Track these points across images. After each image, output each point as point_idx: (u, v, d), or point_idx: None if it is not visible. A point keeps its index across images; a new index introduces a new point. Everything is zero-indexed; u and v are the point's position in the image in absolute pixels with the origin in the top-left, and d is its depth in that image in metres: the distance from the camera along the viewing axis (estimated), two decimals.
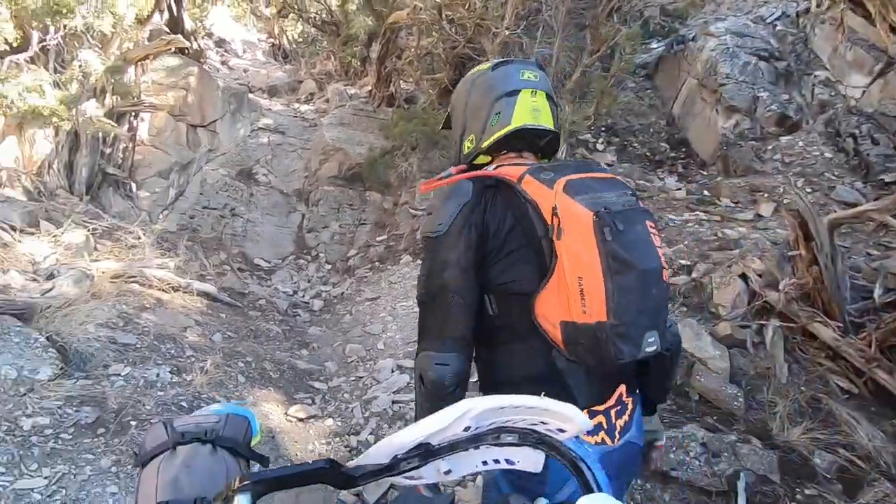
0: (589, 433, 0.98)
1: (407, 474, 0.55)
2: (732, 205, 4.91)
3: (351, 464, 0.54)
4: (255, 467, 0.81)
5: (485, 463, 0.59)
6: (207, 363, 2.72)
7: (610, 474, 0.77)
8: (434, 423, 0.52)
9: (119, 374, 2.42)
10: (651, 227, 0.96)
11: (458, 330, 1.00)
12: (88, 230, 3.57)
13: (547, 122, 1.10)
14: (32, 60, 3.69)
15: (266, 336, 3.40)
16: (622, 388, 1.01)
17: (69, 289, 2.69)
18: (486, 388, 1.07)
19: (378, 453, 0.53)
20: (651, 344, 0.93)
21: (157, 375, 2.53)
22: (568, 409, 0.53)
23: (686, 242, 4.06)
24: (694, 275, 3.55)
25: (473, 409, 0.52)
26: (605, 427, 0.99)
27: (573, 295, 0.91)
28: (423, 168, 5.90)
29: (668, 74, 7.52)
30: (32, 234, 3.34)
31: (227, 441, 0.80)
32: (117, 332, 2.66)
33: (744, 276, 3.29)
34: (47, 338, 2.33)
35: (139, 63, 4.61)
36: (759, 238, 3.87)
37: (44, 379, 2.13)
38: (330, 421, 2.71)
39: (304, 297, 4.54)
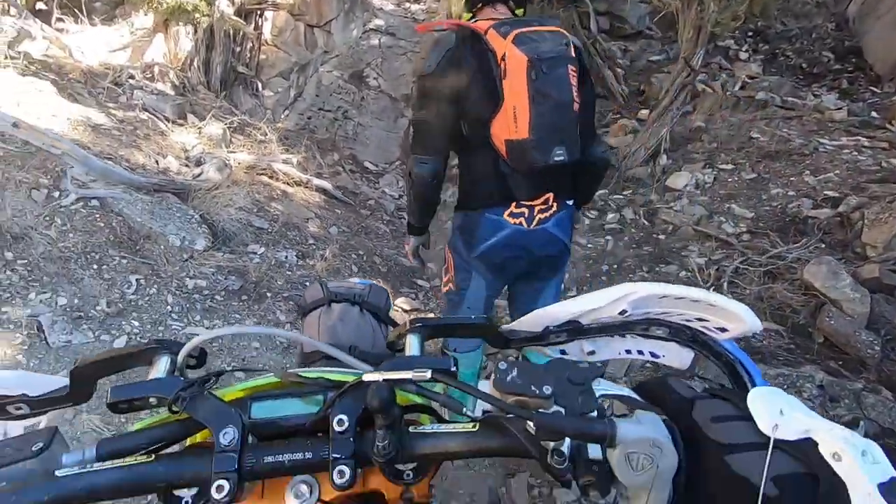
0: (511, 216, 1.41)
1: (554, 346, 0.57)
2: None
3: (505, 326, 0.56)
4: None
5: (628, 352, 0.58)
6: (327, 252, 2.99)
7: (517, 249, 1.40)
8: (591, 300, 0.53)
9: (256, 253, 2.76)
10: (572, 70, 1.30)
11: (437, 142, 1.40)
12: (225, 124, 3.91)
13: None
14: None
15: (375, 234, 3.63)
16: (550, 195, 1.41)
17: (213, 175, 3.03)
18: (461, 183, 1.51)
19: (532, 321, 0.55)
20: (559, 155, 1.31)
21: (286, 257, 2.85)
22: (738, 307, 0.50)
23: (837, 171, 3.51)
24: (841, 208, 3.11)
25: (634, 293, 0.51)
26: (526, 216, 1.42)
27: (510, 119, 1.29)
28: None
29: None
30: (181, 125, 3.75)
31: (372, 306, 0.91)
32: (252, 216, 2.99)
33: None
34: (200, 216, 2.69)
35: None
36: None
37: (200, 249, 2.50)
38: (431, 315, 2.91)
39: None
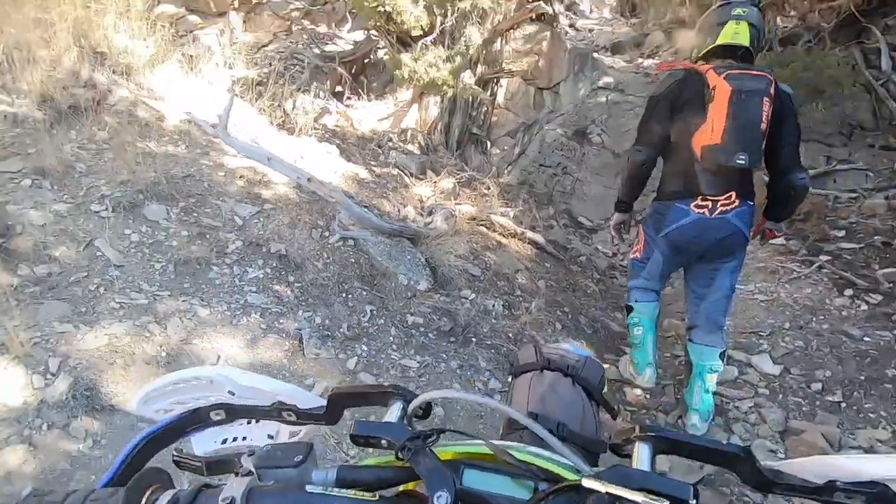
0: (697, 207, 1.93)
1: None
2: None
3: (769, 464, 0.45)
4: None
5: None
6: (532, 305, 3.01)
7: (697, 234, 1.96)
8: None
9: (467, 298, 2.95)
10: (766, 101, 1.81)
11: (653, 140, 2.03)
12: (455, 179, 4.39)
13: (743, 41, 1.92)
14: (434, 42, 4.66)
15: (584, 292, 3.51)
16: (733, 193, 1.91)
17: (441, 224, 3.40)
18: (661, 179, 2.10)
19: (810, 467, 0.43)
20: (741, 159, 1.82)
21: (493, 306, 2.96)
22: None
23: None
24: None
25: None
26: (709, 208, 1.92)
27: (709, 130, 1.85)
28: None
29: None
30: (421, 179, 4.35)
31: (585, 381, 0.87)
32: (468, 263, 3.23)
33: None
34: (425, 259, 3.03)
35: (505, 33, 5.22)
36: None
37: (422, 289, 2.80)
38: (639, 391, 2.62)
39: (622, 260, 4.44)
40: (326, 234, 2.96)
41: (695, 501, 0.39)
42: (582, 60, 6.84)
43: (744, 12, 1.94)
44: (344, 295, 2.62)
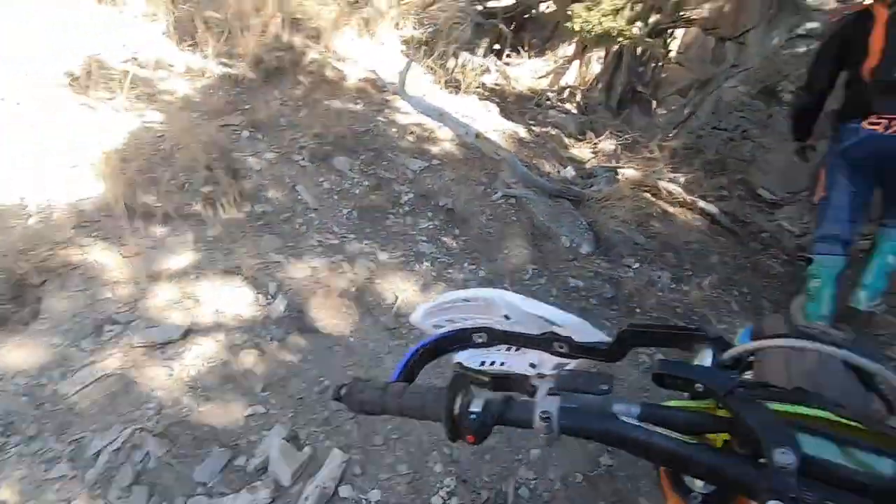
0: (869, 124, 1.97)
1: None
2: None
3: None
4: None
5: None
6: (705, 281, 2.75)
7: (870, 149, 1.99)
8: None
9: (630, 267, 2.80)
10: None
11: (818, 84, 2.21)
12: (618, 141, 4.11)
13: None
14: None
15: (766, 273, 3.10)
16: None
17: (604, 187, 3.24)
18: (840, 104, 2.15)
19: None
20: None
21: (659, 277, 2.77)
22: None
23: None
24: None
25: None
26: (884, 125, 1.95)
27: (872, 55, 1.94)
28: None
29: None
30: (581, 139, 4.16)
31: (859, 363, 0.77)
32: (632, 230, 3.04)
33: None
34: (588, 223, 2.92)
35: None
36: None
37: (584, 253, 2.73)
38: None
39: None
40: (490, 190, 3.00)
41: None
42: (780, 1, 5.78)
43: None
44: (506, 251, 2.65)
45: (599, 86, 4.98)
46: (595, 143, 4.10)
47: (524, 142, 3.80)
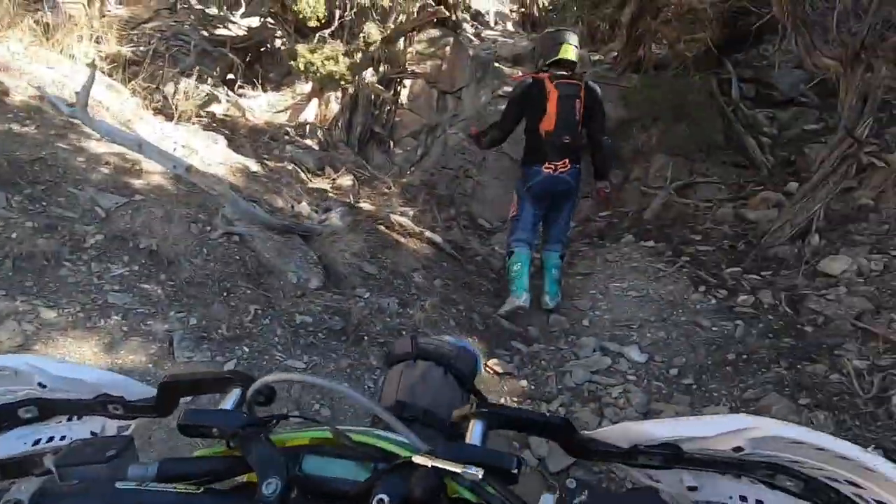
0: (546, 168, 2.98)
1: (644, 470, 0.47)
2: None
3: (586, 433, 0.49)
4: None
5: (743, 500, 0.45)
6: (427, 303, 3.04)
7: (548, 186, 3.08)
8: (695, 426, 0.43)
9: (361, 297, 2.90)
10: (578, 101, 2.92)
11: (506, 127, 3.20)
12: (355, 177, 4.31)
13: (572, 58, 2.97)
14: (332, 34, 4.55)
15: (478, 290, 3.62)
16: (567, 160, 2.97)
17: (337, 221, 3.32)
18: (523, 151, 3.23)
19: (618, 434, 0.47)
20: (567, 138, 2.94)
21: (388, 304, 2.95)
22: None
23: None
24: None
25: (757, 430, 0.39)
26: (553, 170, 2.96)
27: (549, 120, 2.89)
28: (664, 142, 5.29)
29: None
30: (320, 175, 4.21)
31: (457, 370, 0.88)
32: (364, 262, 3.18)
33: None
34: (318, 257, 2.93)
35: (408, 34, 5.24)
36: None
37: (312, 288, 2.71)
38: (524, 382, 2.76)
39: None
40: (208, 228, 2.74)
41: (517, 470, 0.41)
42: (484, 68, 7.08)
43: (572, 38, 3.06)
44: (225, 294, 2.44)
45: (339, 124, 5.18)
46: (333, 179, 4.21)
47: (255, 176, 3.63)
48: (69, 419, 0.59)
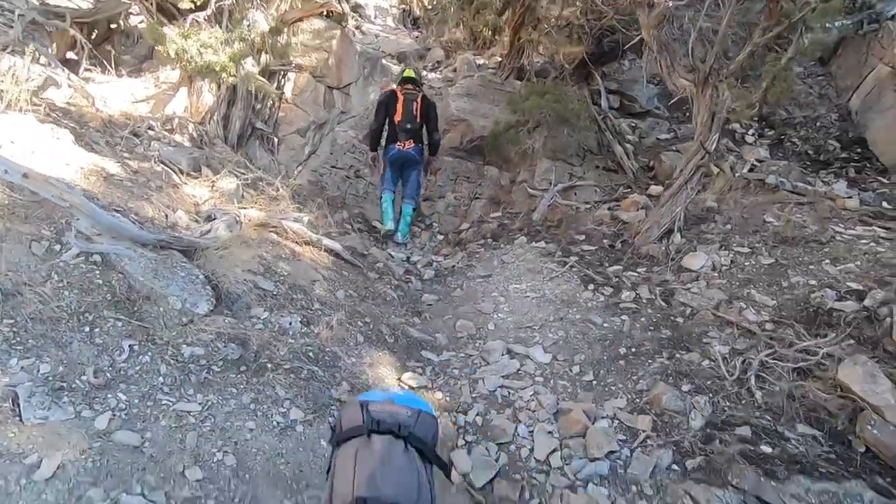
0: (398, 144, 4.88)
1: None
2: None
3: None
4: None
5: None
6: (333, 319, 2.85)
7: (399, 157, 4.94)
8: None
9: (259, 318, 2.62)
10: (416, 103, 4.89)
11: (379, 119, 4.99)
12: (239, 179, 3.89)
13: (413, 76, 5.12)
14: (209, 19, 4.03)
15: (383, 299, 3.50)
16: (410, 140, 4.86)
17: (223, 232, 2.95)
18: (385, 138, 5.10)
19: None
20: (409, 127, 4.85)
21: (290, 324, 2.70)
22: None
23: (858, 262, 3.44)
24: (867, 302, 3.00)
25: None
26: (402, 146, 4.84)
27: (398, 115, 4.85)
28: (548, 146, 5.64)
29: (850, 59, 6.39)
30: (195, 177, 3.72)
31: (418, 441, 0.78)
32: (259, 277, 2.88)
33: None
34: (205, 276, 2.58)
35: (292, 25, 4.86)
36: None
37: (201, 313, 2.37)
38: (439, 394, 2.73)
39: (417, 264, 4.62)
40: (57, 248, 2.25)
41: None
42: (372, 65, 6.89)
43: (412, 69, 5.30)
44: (87, 329, 2.02)
45: (215, 118, 4.63)
46: (213, 182, 3.74)
47: (116, 180, 3.08)
48: None
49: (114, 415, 1.76)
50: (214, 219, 3.11)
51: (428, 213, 5.71)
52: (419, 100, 4.86)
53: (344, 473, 0.73)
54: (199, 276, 2.54)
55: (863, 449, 2.21)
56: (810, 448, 2.23)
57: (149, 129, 3.95)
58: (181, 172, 3.67)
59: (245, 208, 3.59)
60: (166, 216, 2.97)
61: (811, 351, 2.73)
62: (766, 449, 2.22)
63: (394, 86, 4.92)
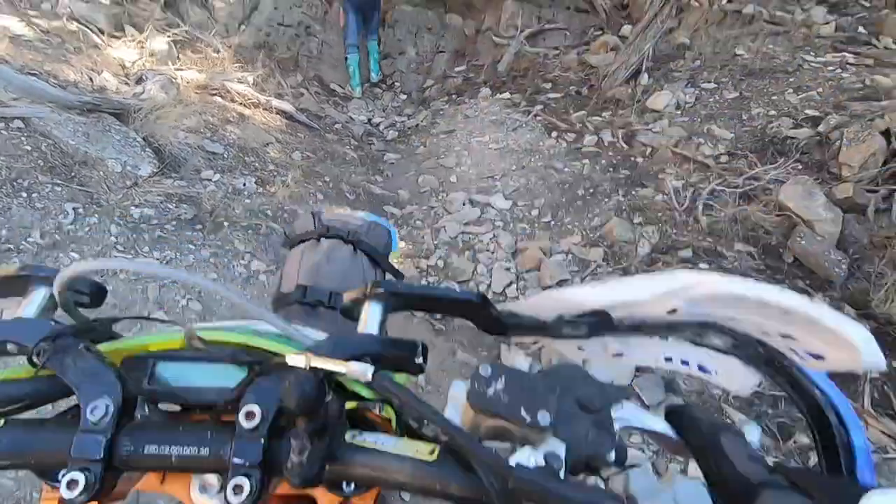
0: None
1: (568, 341, 0.42)
2: (894, 46, 3.95)
3: (503, 307, 0.42)
4: None
5: (668, 360, 0.42)
6: (289, 178, 2.81)
7: (363, 3, 4.71)
8: (631, 289, 0.36)
9: (210, 180, 2.57)
10: None
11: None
12: (169, 37, 3.52)
13: None
14: None
15: (342, 160, 3.43)
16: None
17: (158, 94, 2.75)
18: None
19: (540, 305, 0.40)
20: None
21: (244, 185, 2.66)
22: (853, 331, 0.30)
23: (820, 90, 3.40)
24: (821, 128, 3.03)
25: (696, 287, 0.34)
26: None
27: None
28: None
29: None
30: (118, 37, 3.35)
31: (368, 247, 0.79)
32: (205, 140, 2.76)
33: (886, 133, 2.76)
34: (143, 138, 2.45)
35: None
36: None
37: (145, 175, 2.30)
38: (402, 244, 2.81)
39: (379, 126, 4.46)
40: None
41: (421, 359, 0.35)
42: None
43: None
44: (25, 195, 1.96)
45: None
46: (140, 42, 3.39)
47: (25, 42, 2.76)
48: None
49: None
50: (146, 80, 2.88)
51: (389, 71, 5.36)
52: None
53: (290, 266, 0.76)
54: (136, 138, 2.42)
55: (791, 259, 2.40)
56: (744, 262, 2.41)
57: None
58: (101, 32, 3.29)
59: (182, 70, 3.31)
60: (91, 79, 2.73)
61: (759, 178, 2.81)
62: (703, 266, 2.40)
63: None
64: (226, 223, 2.35)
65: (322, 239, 0.81)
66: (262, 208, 2.55)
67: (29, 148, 2.10)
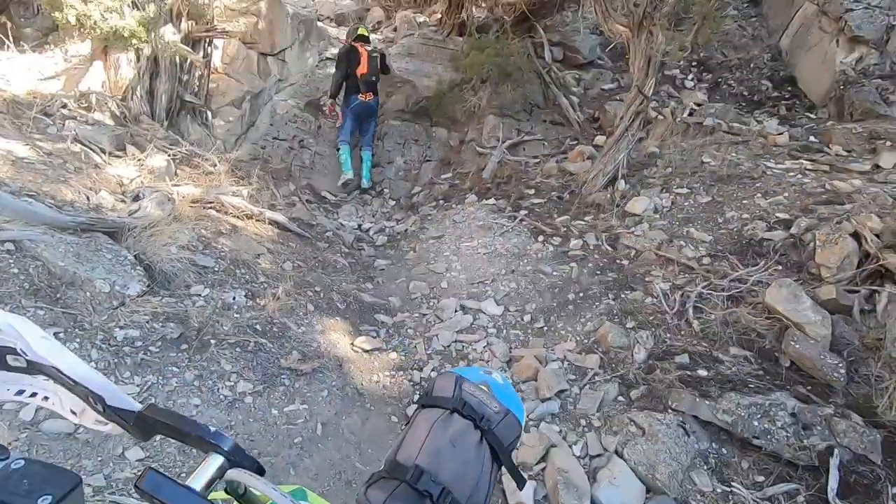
0: (360, 96, 5.10)
1: None
2: (845, 153, 4.31)
3: None
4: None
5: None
6: (279, 290, 2.79)
7: (361, 108, 5.17)
8: None
9: (199, 295, 2.53)
10: (374, 55, 5.13)
11: (341, 71, 5.10)
12: (169, 155, 3.68)
13: (366, 34, 5.36)
14: None
15: (333, 268, 3.45)
16: (370, 93, 5.10)
17: (154, 210, 2.80)
18: (345, 89, 5.19)
19: None
20: (373, 78, 5.10)
21: (234, 298, 2.63)
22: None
23: (786, 194, 3.62)
24: (793, 230, 3.18)
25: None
26: (364, 98, 5.10)
27: (362, 69, 5.00)
28: (494, 103, 5.58)
29: None
30: (120, 157, 3.49)
31: (496, 441, 0.76)
32: (197, 254, 2.77)
33: (856, 235, 2.90)
34: (135, 256, 2.45)
35: None
36: (878, 192, 3.36)
37: (133, 294, 2.26)
38: (394, 354, 2.74)
39: (369, 231, 4.56)
40: None
41: None
42: (307, 28, 6.55)
43: (365, 26, 5.75)
44: None
45: (138, 93, 4.32)
46: (140, 161, 3.53)
47: (26, 164, 2.85)
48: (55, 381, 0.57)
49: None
50: (143, 197, 2.95)
51: (378, 179, 5.62)
52: (379, 55, 5.21)
53: (415, 435, 0.73)
54: (127, 257, 2.41)
55: (788, 363, 2.38)
56: (741, 367, 2.38)
57: (62, 107, 3.66)
58: (103, 152, 3.43)
59: (179, 185, 3.42)
60: (88, 198, 2.79)
61: (743, 279, 2.88)
62: (703, 373, 2.36)
63: (354, 43, 5.14)
64: (213, 341, 2.28)
65: (455, 414, 0.77)
66: (251, 323, 2.50)
67: (16, 271, 2.07)
